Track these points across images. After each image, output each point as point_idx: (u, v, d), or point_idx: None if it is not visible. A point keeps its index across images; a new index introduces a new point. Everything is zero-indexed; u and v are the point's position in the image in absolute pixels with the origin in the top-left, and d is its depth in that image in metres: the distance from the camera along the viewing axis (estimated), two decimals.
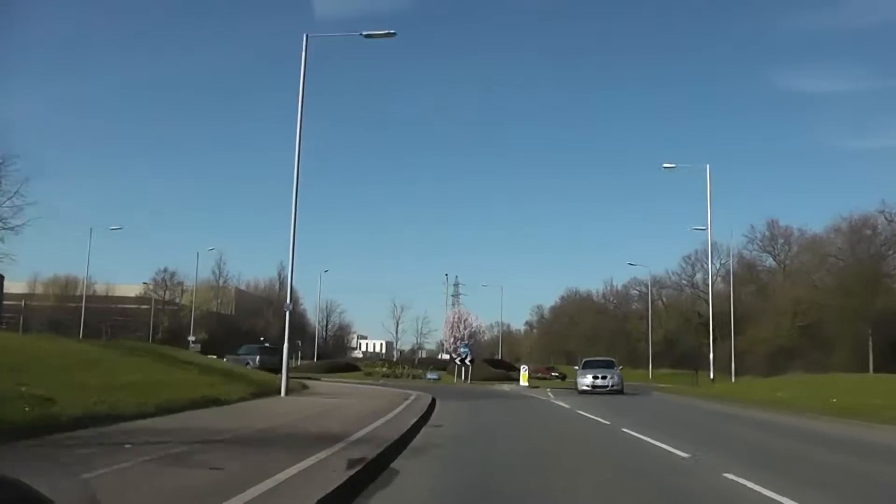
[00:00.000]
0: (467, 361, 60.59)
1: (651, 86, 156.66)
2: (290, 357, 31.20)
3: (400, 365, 68.09)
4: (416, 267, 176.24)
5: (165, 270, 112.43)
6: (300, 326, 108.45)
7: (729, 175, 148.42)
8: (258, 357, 55.43)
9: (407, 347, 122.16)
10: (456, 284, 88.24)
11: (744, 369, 71.76)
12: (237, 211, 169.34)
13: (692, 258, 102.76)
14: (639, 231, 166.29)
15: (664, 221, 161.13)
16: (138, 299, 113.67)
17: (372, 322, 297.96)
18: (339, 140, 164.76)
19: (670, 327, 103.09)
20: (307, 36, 28.17)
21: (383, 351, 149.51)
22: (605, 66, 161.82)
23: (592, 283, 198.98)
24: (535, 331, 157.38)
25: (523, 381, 53.55)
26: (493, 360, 79.17)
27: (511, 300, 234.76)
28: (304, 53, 27.89)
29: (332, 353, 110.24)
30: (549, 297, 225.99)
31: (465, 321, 71.44)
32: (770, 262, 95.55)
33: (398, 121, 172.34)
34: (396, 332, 75.75)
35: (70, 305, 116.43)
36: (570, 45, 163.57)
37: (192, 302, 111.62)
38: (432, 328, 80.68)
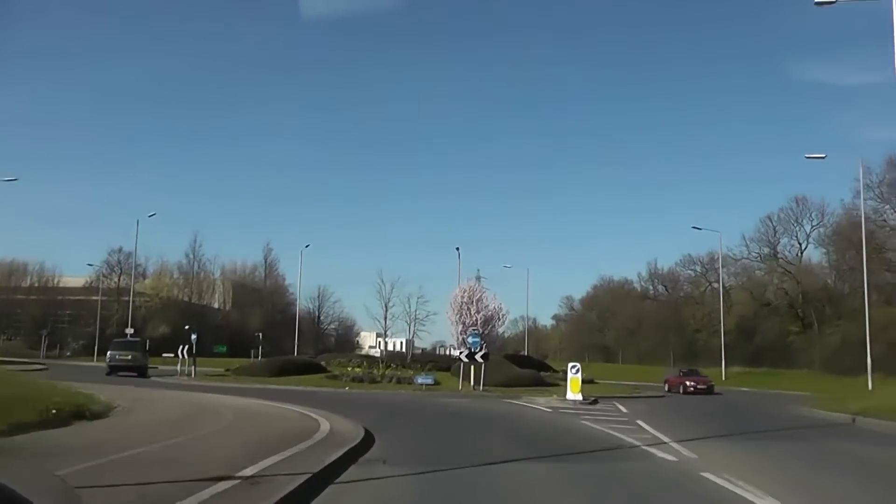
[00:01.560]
0: (478, 357, 40.53)
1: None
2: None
3: (381, 364, 47.39)
4: (430, 259, 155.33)
5: (120, 251, 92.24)
6: (288, 318, 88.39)
7: None
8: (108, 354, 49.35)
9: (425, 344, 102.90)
10: (478, 277, 66.88)
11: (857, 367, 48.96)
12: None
13: (774, 220, 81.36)
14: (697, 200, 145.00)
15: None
16: (86, 289, 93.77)
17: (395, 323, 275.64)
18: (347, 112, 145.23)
19: (745, 313, 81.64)
20: None
21: (403, 349, 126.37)
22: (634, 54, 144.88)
23: (627, 270, 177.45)
24: (563, 325, 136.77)
25: (573, 392, 32.49)
26: (517, 357, 58.40)
27: (534, 293, 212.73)
28: None
29: (335, 350, 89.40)
30: (578, 288, 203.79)
31: (477, 301, 51.38)
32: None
33: (418, 87, 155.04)
34: (385, 320, 54.46)
35: (13, 298, 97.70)
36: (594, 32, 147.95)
37: (150, 289, 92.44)
38: (432, 311, 57.46)
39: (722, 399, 44.66)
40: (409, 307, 57.29)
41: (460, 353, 43.30)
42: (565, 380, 52.46)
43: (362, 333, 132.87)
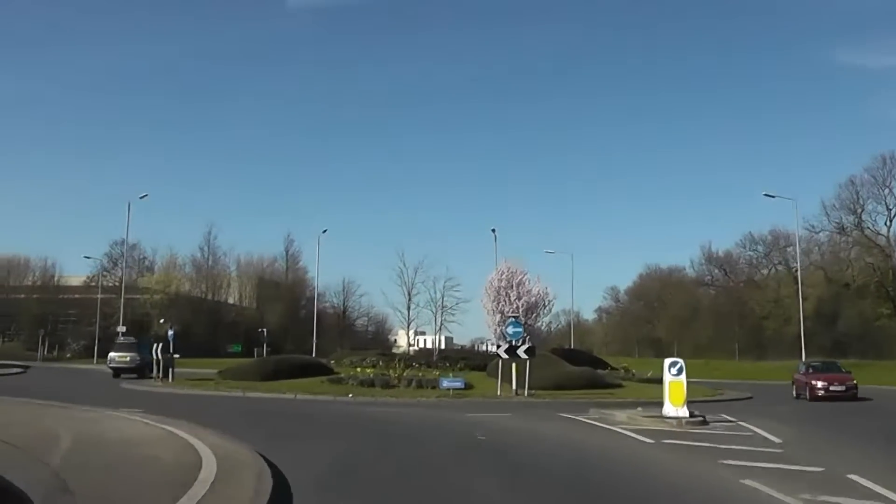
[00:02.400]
0: (521, 352, 32.09)
1: None
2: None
3: (399, 363, 38.65)
4: (463, 248, 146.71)
5: (123, 243, 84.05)
6: (312, 314, 79.88)
7: None
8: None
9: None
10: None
11: None
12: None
13: (857, 183, 71.43)
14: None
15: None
16: (87, 287, 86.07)
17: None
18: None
19: (822, 295, 71.68)
20: None
21: (442, 346, 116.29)
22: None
23: (676, 256, 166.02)
24: (607, 317, 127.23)
25: (674, 404, 20.23)
26: (564, 351, 49.17)
27: (576, 285, 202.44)
28: None
29: (369, 347, 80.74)
30: (622, 278, 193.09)
31: (518, 284, 42.83)
32: None
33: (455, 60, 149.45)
34: (408, 310, 45.92)
35: (11, 297, 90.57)
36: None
37: (158, 284, 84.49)
38: (462, 298, 48.47)
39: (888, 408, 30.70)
40: (436, 294, 48.59)
41: (498, 347, 34.57)
42: (628, 378, 43.85)
43: (398, 331, 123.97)
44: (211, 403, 27.35)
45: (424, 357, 46.26)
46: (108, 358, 47.33)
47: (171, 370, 38.17)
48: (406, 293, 48.76)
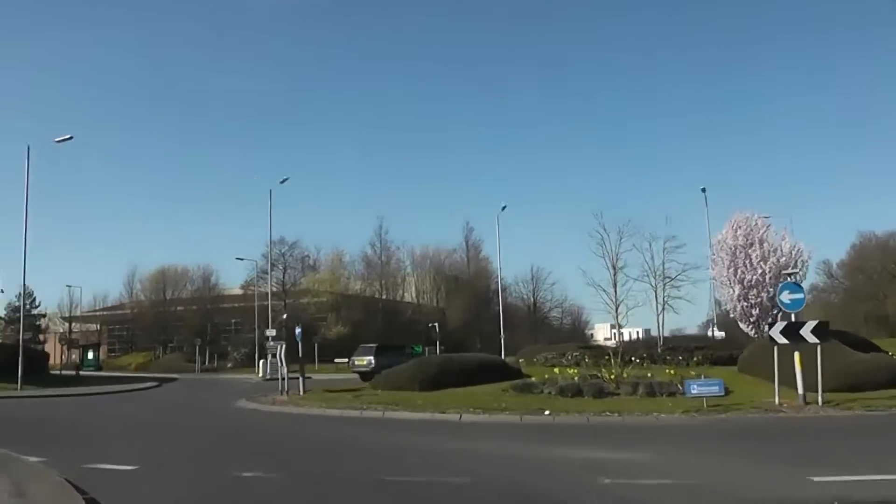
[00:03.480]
0: (808, 333, 20.00)
1: None
2: None
3: (616, 360, 26.54)
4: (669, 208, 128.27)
5: (282, 241, 76.19)
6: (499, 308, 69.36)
7: None
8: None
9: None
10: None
11: None
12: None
13: None
14: None
15: None
16: (244, 297, 79.05)
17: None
18: None
19: None
20: None
21: (640, 337, 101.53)
22: None
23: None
24: (820, 294, 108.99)
25: None
26: (843, 334, 35.70)
27: None
28: None
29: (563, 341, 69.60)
30: (830, 251, 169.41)
31: (761, 241, 30.92)
32: None
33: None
34: (614, 287, 34.33)
35: (169, 310, 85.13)
36: None
37: (322, 284, 76.22)
38: (689, 264, 35.39)
39: None
40: (652, 260, 37.01)
41: (770, 326, 22.85)
42: None
43: (594, 325, 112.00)
44: (312, 435, 17.40)
45: (644, 349, 34.19)
46: (349, 362, 46.94)
47: (301, 381, 28.52)
48: (610, 266, 37.25)
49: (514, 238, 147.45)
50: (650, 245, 39.61)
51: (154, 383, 46.75)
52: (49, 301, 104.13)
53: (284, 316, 36.74)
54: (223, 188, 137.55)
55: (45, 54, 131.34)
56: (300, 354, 29.01)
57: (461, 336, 74.93)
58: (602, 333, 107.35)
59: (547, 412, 19.46)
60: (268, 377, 50.35)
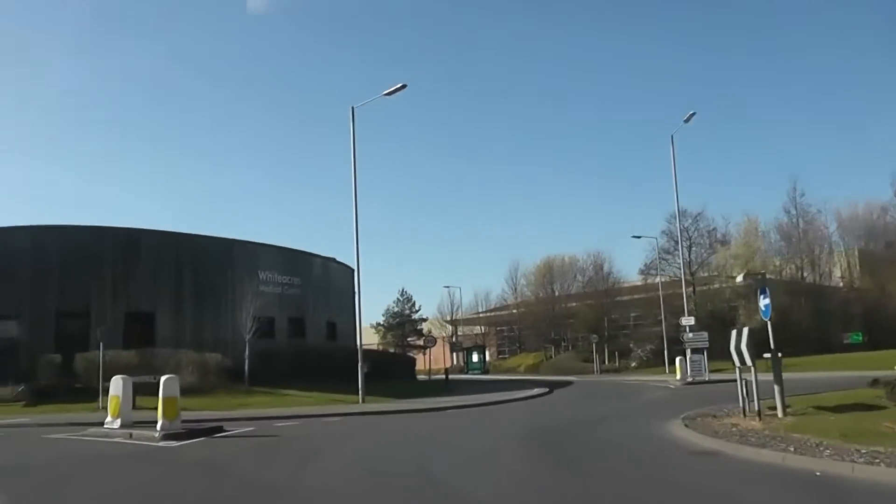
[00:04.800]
0: None
1: None
2: None
3: None
4: None
5: (683, 213, 64.10)
6: None
7: None
8: None
9: None
10: None
11: None
12: None
13: None
14: None
15: None
16: (643, 286, 67.82)
17: None
18: None
19: None
20: None
21: None
22: None
23: None
24: None
25: None
26: None
27: None
28: None
29: None
30: None
31: None
32: None
33: None
34: None
35: (558, 305, 76.71)
36: None
37: (733, 259, 63.16)
38: None
39: None
40: None
41: None
42: None
43: None
44: None
45: None
46: None
47: (778, 394, 16.44)
48: None
49: None
50: None
51: (542, 389, 37.11)
52: (429, 304, 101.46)
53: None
54: (608, 162, 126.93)
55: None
56: (771, 348, 16.73)
57: None
58: None
59: None
60: (689, 380, 38.79)
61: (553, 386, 40.59)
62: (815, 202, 75.51)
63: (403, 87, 31.71)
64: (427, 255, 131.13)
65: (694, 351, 40.40)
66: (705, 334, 40.92)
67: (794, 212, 67.95)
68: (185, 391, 31.05)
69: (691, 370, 39.67)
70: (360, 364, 30.72)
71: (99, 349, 27.78)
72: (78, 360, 30.78)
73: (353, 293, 53.25)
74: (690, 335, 40.63)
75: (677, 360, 41.45)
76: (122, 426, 17.92)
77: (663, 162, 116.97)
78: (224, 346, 34.72)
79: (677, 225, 51.23)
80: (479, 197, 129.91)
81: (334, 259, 48.55)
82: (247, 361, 32.41)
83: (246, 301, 34.05)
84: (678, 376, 40.84)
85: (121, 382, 18.40)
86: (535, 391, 36.07)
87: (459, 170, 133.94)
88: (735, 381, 18.29)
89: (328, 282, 47.00)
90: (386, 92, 31.89)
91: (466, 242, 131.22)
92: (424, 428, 19.53)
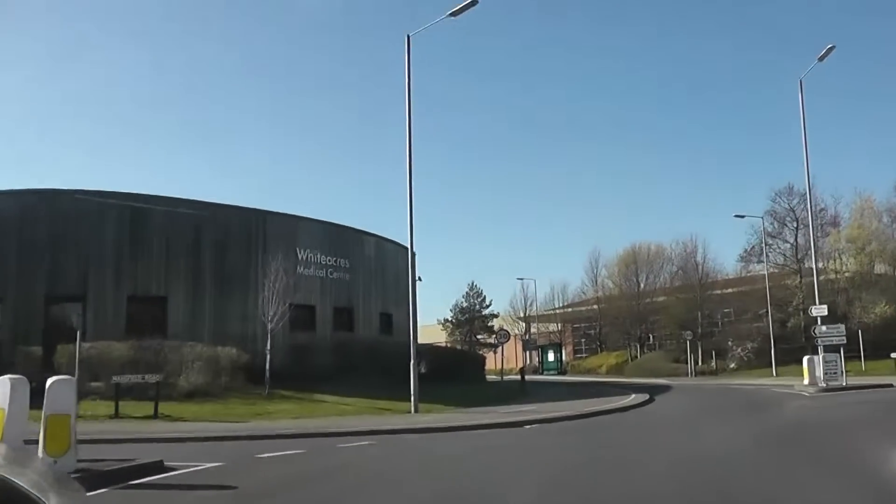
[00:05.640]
0: None
1: None
2: None
3: None
4: None
5: (789, 191, 56.21)
6: None
7: None
8: None
9: None
10: None
11: None
12: None
13: None
14: None
15: None
16: (742, 278, 59.95)
17: None
18: None
19: None
20: None
21: None
22: None
23: None
24: None
25: None
26: None
27: None
28: None
29: None
30: None
31: None
32: None
33: None
34: None
35: (644, 300, 69.06)
36: None
37: (844, 242, 55.21)
38: None
39: None
40: None
41: None
42: None
43: None
44: None
45: None
46: None
47: None
48: None
49: None
50: None
51: (641, 395, 29.88)
52: (500, 298, 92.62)
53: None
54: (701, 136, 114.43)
55: None
56: None
57: None
58: None
59: None
60: (823, 385, 31.16)
61: (649, 391, 33.47)
62: None
63: (473, 3, 24.77)
64: (498, 244, 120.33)
65: (827, 349, 32.61)
66: (842, 327, 33.12)
67: None
68: (189, 394, 24.94)
69: (825, 373, 31.93)
70: (412, 362, 23.97)
71: (76, 339, 21.51)
72: (59, 352, 24.42)
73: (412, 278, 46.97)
74: (824, 329, 32.75)
75: (805, 360, 33.90)
76: None
77: (763, 134, 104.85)
78: (251, 339, 28.15)
79: (807, 192, 39.52)
80: (557, 176, 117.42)
81: (392, 241, 41.43)
82: (268, 358, 25.66)
83: (269, 281, 27.07)
84: (806, 381, 33.33)
85: (8, 386, 11.34)
86: (633, 398, 28.91)
87: (533, 143, 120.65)
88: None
89: (383, 265, 39.77)
90: (451, 12, 25.28)
91: (542, 230, 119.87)
92: (506, 465, 12.55)
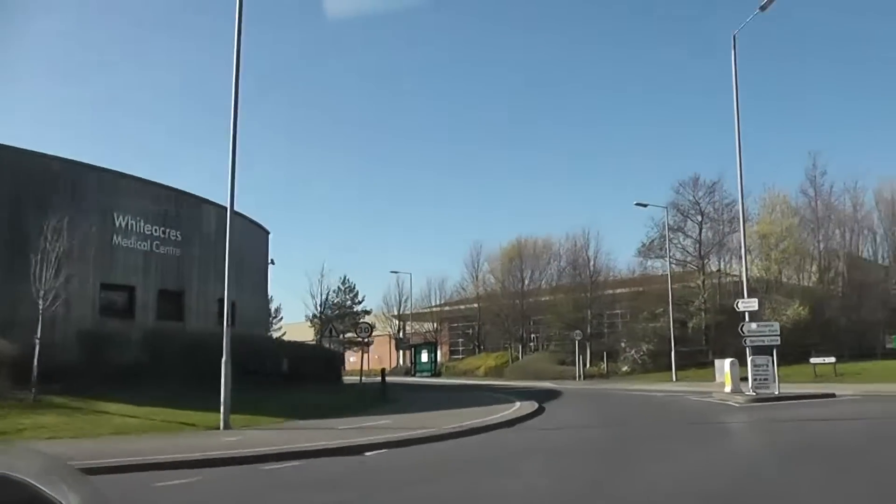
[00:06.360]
0: None
1: None
2: None
3: None
4: None
5: (695, 183, 52.08)
6: None
7: None
8: None
9: None
10: None
11: None
12: None
13: None
14: None
15: None
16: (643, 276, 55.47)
17: None
18: None
19: None
20: None
21: None
22: None
23: None
24: None
25: None
26: None
27: None
28: None
29: None
30: None
31: None
32: None
33: None
34: None
35: (529, 298, 63.78)
36: None
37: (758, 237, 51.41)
38: None
39: None
40: None
41: None
42: None
43: None
44: None
45: None
46: None
47: None
48: None
49: None
50: None
51: (528, 404, 24.19)
52: (372, 293, 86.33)
53: None
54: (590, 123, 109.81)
55: None
56: None
57: None
58: None
59: None
60: (752, 393, 26.04)
61: (535, 396, 28.19)
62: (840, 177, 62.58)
63: None
64: (372, 238, 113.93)
65: (757, 351, 27.37)
66: (776, 325, 27.90)
67: (813, 192, 54.75)
68: None
69: (754, 379, 26.68)
70: (224, 360, 17.33)
71: None
72: None
73: (266, 263, 39.58)
74: (754, 326, 27.42)
75: (727, 363, 29.08)
76: None
77: (659, 123, 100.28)
78: (45, 325, 20.49)
79: (737, 168, 32.70)
80: (437, 171, 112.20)
81: (243, 215, 33.76)
82: (37, 351, 18.19)
83: (48, 243, 18.92)
84: (728, 388, 28.37)
85: None
86: (518, 408, 23.16)
87: (411, 139, 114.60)
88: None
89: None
90: None
91: (421, 221, 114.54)
92: None
